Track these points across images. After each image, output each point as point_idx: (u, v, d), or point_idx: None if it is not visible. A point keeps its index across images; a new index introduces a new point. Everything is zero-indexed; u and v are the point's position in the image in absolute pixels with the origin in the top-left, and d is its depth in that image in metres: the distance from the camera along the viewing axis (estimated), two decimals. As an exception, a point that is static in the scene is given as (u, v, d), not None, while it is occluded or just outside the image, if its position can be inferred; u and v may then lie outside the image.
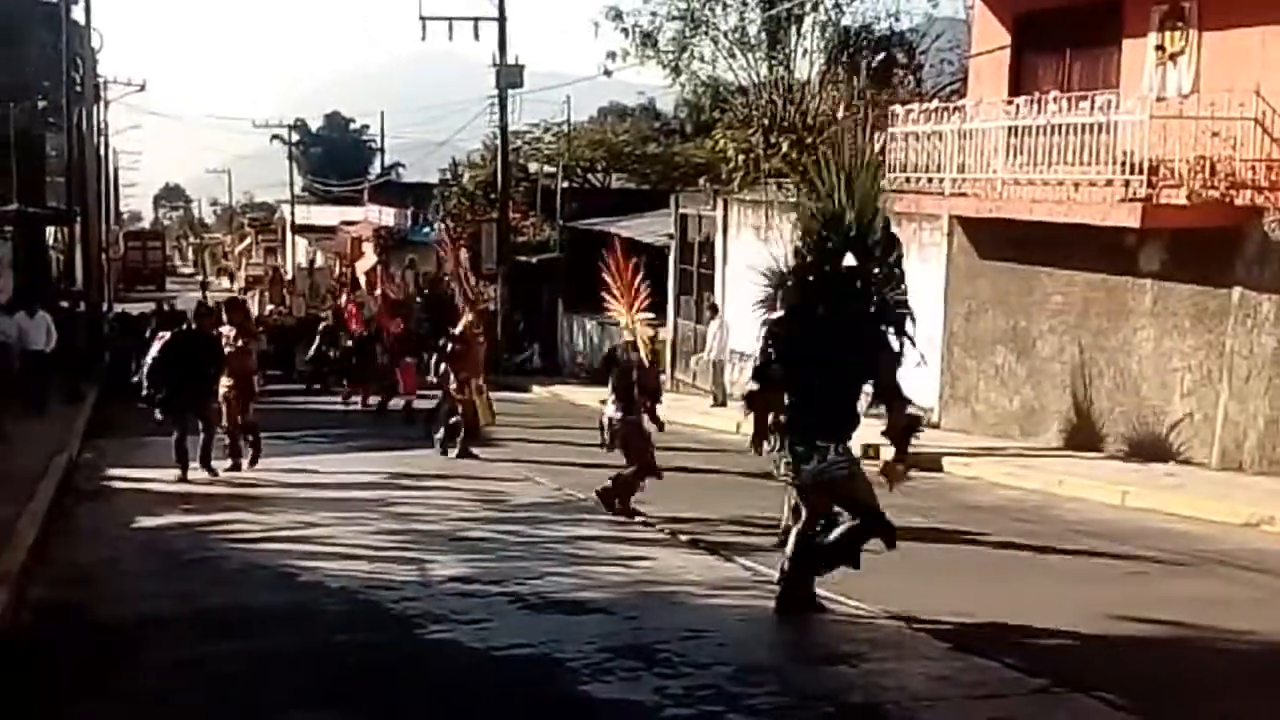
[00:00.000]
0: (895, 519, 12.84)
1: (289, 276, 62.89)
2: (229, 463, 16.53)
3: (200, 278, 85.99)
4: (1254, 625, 8.84)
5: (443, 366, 18.06)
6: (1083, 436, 17.57)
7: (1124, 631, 8.52)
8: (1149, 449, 16.56)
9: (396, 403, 23.81)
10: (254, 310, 37.44)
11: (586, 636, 8.41)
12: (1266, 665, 8.17)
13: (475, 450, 17.84)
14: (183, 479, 15.76)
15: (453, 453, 17.80)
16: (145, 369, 16.01)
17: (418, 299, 31.55)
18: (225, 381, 16.45)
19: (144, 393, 16.01)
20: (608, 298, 13.94)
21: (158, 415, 16.11)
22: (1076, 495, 14.65)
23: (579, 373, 34.43)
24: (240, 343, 16.92)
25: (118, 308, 44.50)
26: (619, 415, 13.20)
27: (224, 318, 17.29)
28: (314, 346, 30.60)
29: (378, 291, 26.90)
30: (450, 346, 17.89)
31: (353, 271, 50.75)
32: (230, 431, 16.67)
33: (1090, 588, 10.15)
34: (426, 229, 48.25)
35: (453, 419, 18.00)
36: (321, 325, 31.93)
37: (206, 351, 16.16)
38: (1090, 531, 12.54)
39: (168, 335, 16.53)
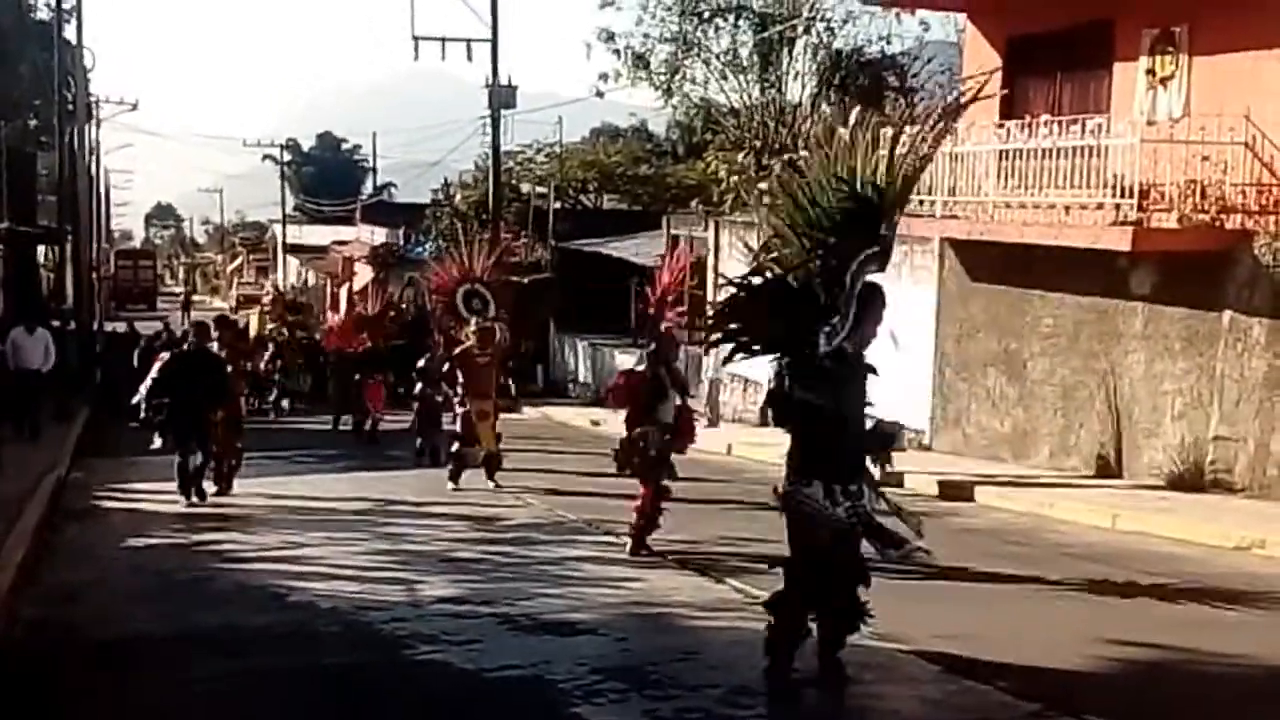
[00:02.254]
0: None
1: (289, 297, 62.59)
2: (214, 487, 16.12)
3: (182, 296, 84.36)
4: (1244, 648, 8.83)
5: (441, 387, 17.66)
6: (1074, 459, 17.58)
7: (1115, 654, 8.51)
8: (1140, 472, 16.58)
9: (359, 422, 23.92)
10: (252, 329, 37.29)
11: (577, 658, 8.39)
12: (1256, 688, 8.16)
13: (460, 479, 16.98)
14: (190, 504, 15.35)
15: (450, 487, 16.84)
16: (144, 389, 15.52)
17: (401, 315, 31.33)
18: None
19: (141, 415, 15.70)
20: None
21: (156, 441, 15.87)
22: (1067, 518, 14.65)
23: (581, 394, 34.47)
24: (239, 364, 16.68)
25: (109, 326, 44.45)
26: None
27: (213, 336, 16.91)
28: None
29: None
30: (449, 369, 17.29)
31: (344, 292, 50.67)
32: (216, 454, 16.14)
33: (1081, 611, 10.14)
34: (419, 249, 48.30)
35: (454, 446, 17.29)
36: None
37: (209, 373, 15.58)
38: (1081, 554, 12.53)
39: (167, 355, 16.24)
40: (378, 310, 26.42)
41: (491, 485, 16.76)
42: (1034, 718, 7.28)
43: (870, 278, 7.57)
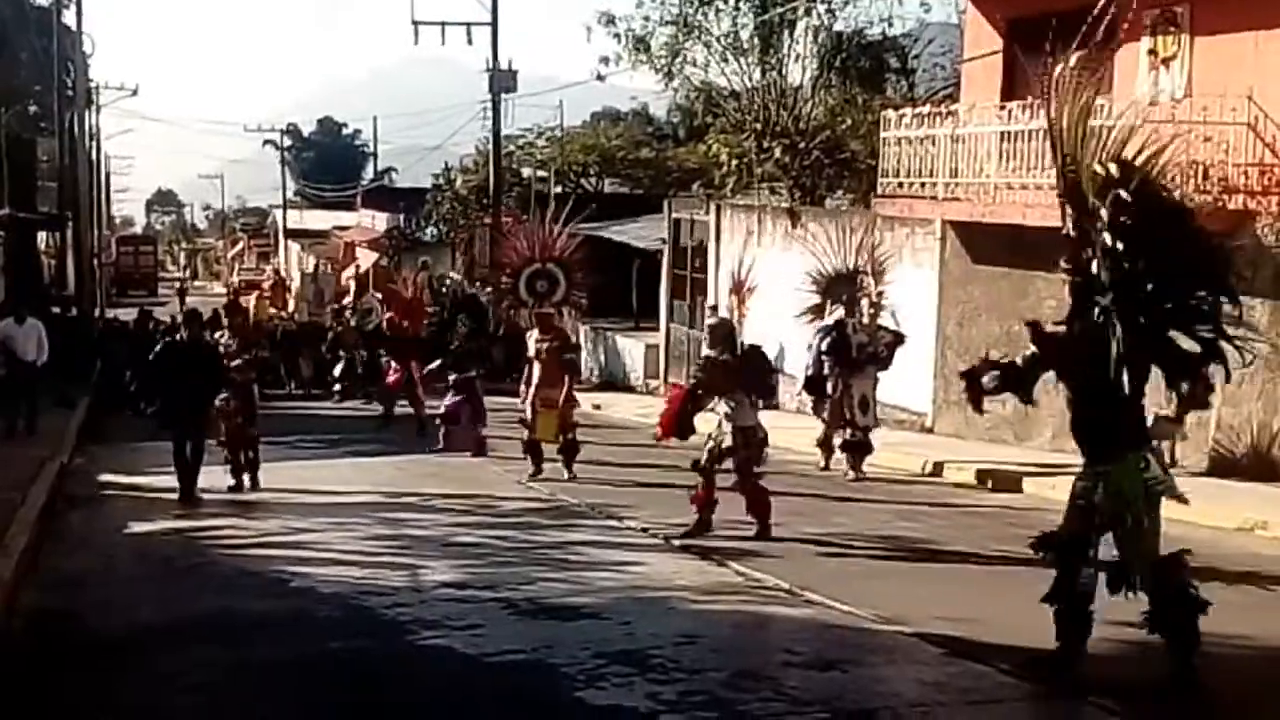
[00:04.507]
0: (888, 526, 12.92)
1: (291, 281, 62.43)
2: (232, 481, 15.58)
3: (179, 283, 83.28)
4: (1247, 630, 8.82)
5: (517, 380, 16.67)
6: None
7: (1117, 635, 8.49)
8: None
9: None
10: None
11: (579, 642, 8.39)
12: (1260, 670, 8.17)
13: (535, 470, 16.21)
14: (185, 499, 14.74)
15: (530, 471, 16.17)
16: (140, 379, 15.13)
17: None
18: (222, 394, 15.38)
19: (138, 404, 15.26)
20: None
21: (156, 422, 15.31)
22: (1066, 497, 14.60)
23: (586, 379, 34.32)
24: (247, 355, 16.01)
25: (110, 313, 44.45)
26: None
27: (223, 323, 16.49)
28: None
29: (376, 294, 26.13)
30: (524, 358, 16.51)
31: (341, 277, 50.52)
32: (229, 446, 15.62)
33: (1084, 593, 10.12)
34: (417, 234, 48.30)
35: (527, 436, 16.38)
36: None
37: (202, 362, 14.90)
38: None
39: (161, 344, 15.75)
40: (413, 293, 25.20)
41: (566, 476, 15.96)
42: (1035, 699, 7.28)
43: None
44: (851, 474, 16.26)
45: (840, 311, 16.66)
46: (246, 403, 15.92)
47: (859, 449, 16.39)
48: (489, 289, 18.32)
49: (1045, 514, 13.90)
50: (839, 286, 16.84)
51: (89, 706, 7.75)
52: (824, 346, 16.53)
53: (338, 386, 29.58)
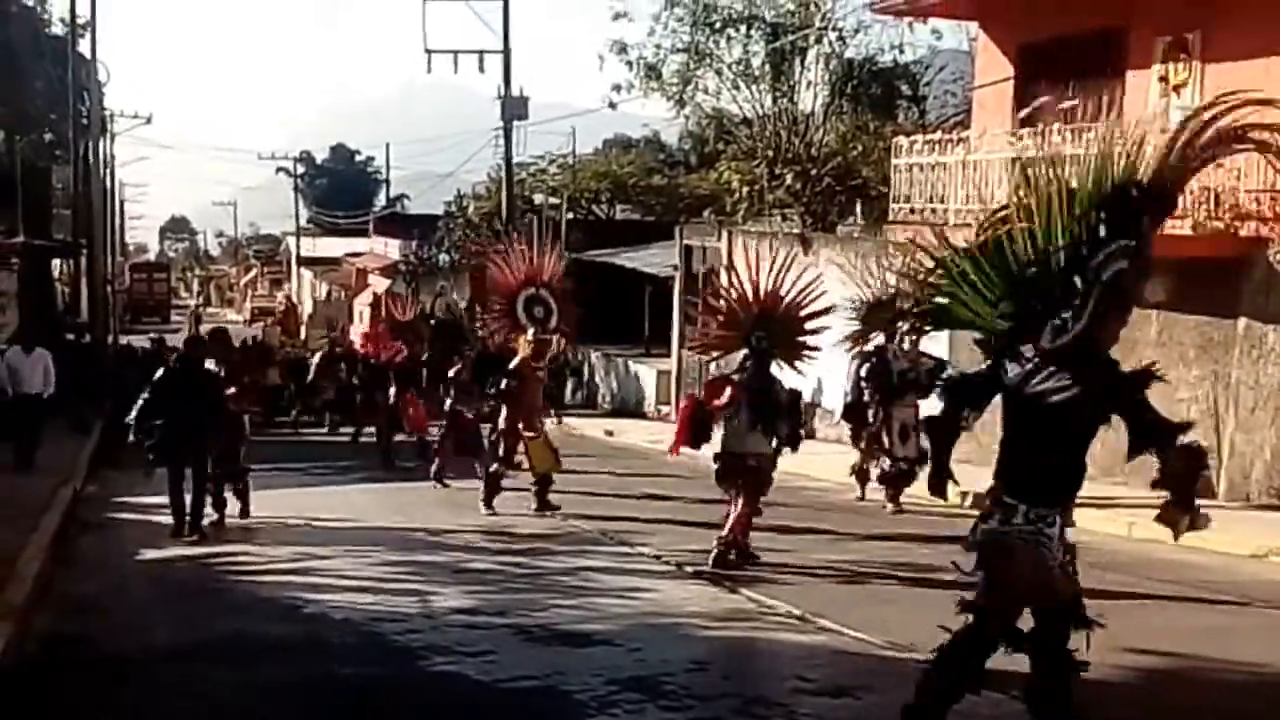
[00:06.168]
0: (907, 554, 12.86)
1: (304, 308, 62.24)
2: (215, 516, 14.90)
3: (191, 308, 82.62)
4: (1261, 657, 8.80)
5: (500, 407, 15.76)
6: (1090, 468, 17.46)
7: (1132, 663, 8.47)
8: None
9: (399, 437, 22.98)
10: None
11: (591, 669, 8.38)
12: (1274, 696, 8.13)
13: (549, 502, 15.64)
14: (177, 534, 14.19)
15: (484, 509, 15.58)
16: (135, 410, 14.36)
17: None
18: None
19: (130, 437, 14.48)
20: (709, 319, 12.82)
21: (149, 459, 14.54)
22: (1082, 526, 14.44)
23: (602, 405, 34.31)
24: (241, 380, 15.59)
25: (123, 339, 44.56)
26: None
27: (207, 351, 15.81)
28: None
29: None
30: (506, 384, 15.46)
31: (360, 303, 50.63)
32: (211, 478, 14.84)
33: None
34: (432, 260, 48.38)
35: (493, 467, 15.73)
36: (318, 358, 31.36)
37: (200, 391, 14.34)
38: (1096, 563, 12.40)
39: (158, 373, 15.00)
40: (411, 316, 24.82)
41: (546, 512, 15.39)
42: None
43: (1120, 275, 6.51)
44: (890, 506, 15.80)
45: (880, 338, 16.19)
46: (234, 435, 15.25)
47: (898, 480, 15.78)
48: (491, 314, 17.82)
49: (1086, 546, 13.93)
50: (878, 313, 16.41)
51: (89, 707, 7.78)
52: (863, 373, 16.17)
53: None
